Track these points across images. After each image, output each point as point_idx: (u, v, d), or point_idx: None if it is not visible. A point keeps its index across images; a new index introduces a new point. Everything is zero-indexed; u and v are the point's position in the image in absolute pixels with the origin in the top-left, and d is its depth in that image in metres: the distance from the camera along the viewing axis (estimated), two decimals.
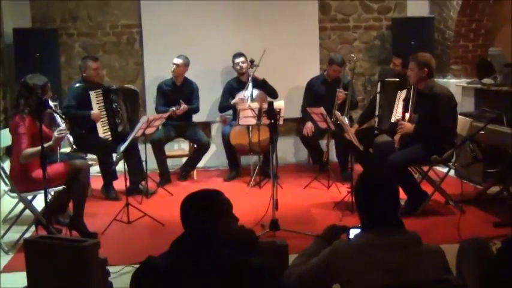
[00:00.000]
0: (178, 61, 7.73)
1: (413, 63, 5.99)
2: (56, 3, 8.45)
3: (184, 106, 7.65)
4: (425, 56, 6.09)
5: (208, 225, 2.55)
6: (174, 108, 7.59)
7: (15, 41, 7.81)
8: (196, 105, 7.94)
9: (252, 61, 7.87)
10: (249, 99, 7.75)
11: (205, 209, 2.60)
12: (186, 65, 7.79)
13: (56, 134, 5.22)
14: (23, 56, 7.73)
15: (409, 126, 5.99)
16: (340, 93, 7.54)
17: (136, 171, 7.04)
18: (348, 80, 7.75)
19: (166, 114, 7.18)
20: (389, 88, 6.90)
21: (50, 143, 5.18)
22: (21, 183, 5.36)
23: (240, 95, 7.86)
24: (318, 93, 7.98)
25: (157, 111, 7.62)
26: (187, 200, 2.64)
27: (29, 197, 5.57)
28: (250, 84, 7.86)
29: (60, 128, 5.28)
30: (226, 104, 8.09)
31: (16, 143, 5.32)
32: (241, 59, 7.98)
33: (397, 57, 7.62)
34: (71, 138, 5.44)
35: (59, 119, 5.40)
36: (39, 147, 4.93)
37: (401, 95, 6.36)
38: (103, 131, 6.93)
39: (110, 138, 6.93)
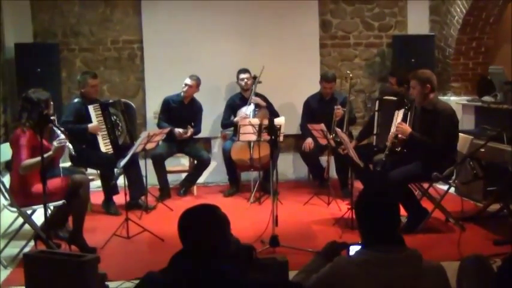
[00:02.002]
0: (191, 82, 7.75)
1: (414, 81, 5.98)
2: (58, 18, 8.49)
3: (191, 131, 7.69)
4: (426, 72, 6.09)
5: (205, 240, 2.54)
6: (181, 130, 7.63)
7: (16, 55, 7.82)
8: (198, 127, 7.98)
9: (254, 77, 7.90)
10: (251, 115, 7.76)
11: (202, 224, 2.59)
12: (197, 85, 7.82)
13: (55, 143, 5.21)
14: (24, 70, 7.74)
15: (406, 129, 5.97)
16: (338, 111, 7.54)
17: (136, 185, 7.04)
18: (345, 96, 7.76)
19: (166, 130, 7.20)
20: (387, 106, 6.91)
21: (50, 153, 5.17)
22: (21, 197, 5.35)
23: (241, 113, 7.87)
24: (314, 111, 8.01)
25: (159, 127, 7.63)
26: (184, 216, 2.63)
27: (29, 212, 5.55)
28: (252, 104, 7.88)
29: (60, 138, 5.27)
30: (228, 121, 8.10)
31: (16, 155, 5.33)
32: (246, 75, 8.00)
33: (392, 76, 7.63)
34: (71, 147, 5.42)
35: (58, 132, 5.39)
36: (38, 158, 4.94)
37: (399, 114, 6.35)
38: (104, 145, 6.94)
39: (112, 152, 6.94)
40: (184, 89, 7.76)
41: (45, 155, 4.97)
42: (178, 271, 2.48)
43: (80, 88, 7.11)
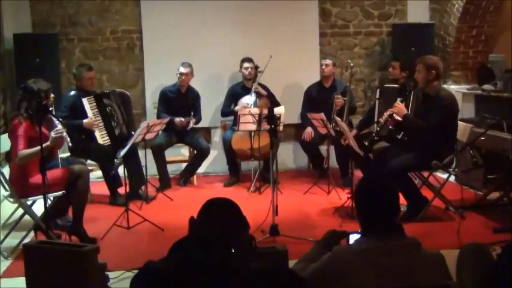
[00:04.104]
0: (186, 70, 7.72)
1: (420, 66, 5.97)
2: (56, 8, 8.46)
3: (193, 121, 7.72)
4: (433, 58, 6.10)
5: (224, 233, 2.53)
6: (182, 119, 7.63)
7: (15, 46, 7.81)
8: (199, 115, 7.99)
9: (257, 67, 7.88)
10: (252, 105, 7.76)
11: (227, 218, 2.59)
12: (192, 72, 7.80)
13: (52, 134, 5.22)
14: (23, 61, 7.72)
15: (402, 109, 5.98)
16: (339, 100, 7.54)
17: (136, 176, 7.02)
18: (345, 85, 7.76)
19: (166, 120, 7.17)
20: (388, 94, 6.89)
21: (48, 143, 5.17)
22: (21, 188, 5.35)
23: (243, 102, 7.86)
24: (315, 99, 8.01)
25: (159, 118, 7.61)
26: (212, 204, 2.63)
27: (28, 202, 5.56)
28: (253, 93, 7.87)
29: (57, 128, 5.26)
30: (228, 110, 8.09)
31: (13, 146, 5.32)
32: (250, 64, 7.97)
33: (396, 61, 7.55)
34: (68, 139, 5.41)
35: (56, 122, 5.38)
36: (36, 148, 4.94)
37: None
38: (101, 137, 6.91)
39: (109, 143, 6.93)
40: (182, 78, 7.74)
41: (43, 145, 4.98)
42: (179, 260, 2.47)
43: (76, 81, 7.09)
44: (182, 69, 7.72)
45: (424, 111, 5.98)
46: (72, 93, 7.01)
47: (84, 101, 6.87)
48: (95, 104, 6.95)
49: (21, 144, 5.20)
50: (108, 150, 6.87)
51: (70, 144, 5.48)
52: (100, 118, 6.96)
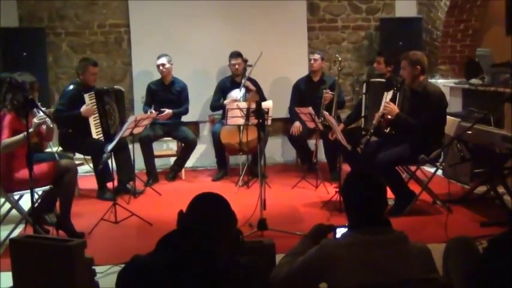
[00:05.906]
0: (164, 60, 7.72)
1: (405, 62, 5.98)
2: (43, 2, 8.41)
3: (168, 111, 7.67)
4: (416, 53, 6.09)
5: (212, 227, 2.53)
6: (152, 110, 7.54)
7: (2, 40, 7.75)
8: (185, 106, 7.94)
9: (246, 60, 7.85)
10: (242, 99, 7.74)
11: (218, 211, 2.61)
12: (169, 61, 7.78)
13: (35, 120, 5.16)
14: (10, 55, 7.68)
15: (394, 109, 5.97)
16: (327, 94, 7.54)
17: (125, 170, 7.01)
18: (334, 80, 7.76)
19: (153, 115, 7.16)
20: (375, 88, 6.90)
21: (31, 130, 5.12)
22: (7, 183, 5.31)
23: (232, 95, 7.84)
24: (304, 94, 8.02)
25: (144, 111, 7.61)
26: (201, 198, 2.64)
27: (16, 197, 5.52)
28: (243, 88, 7.85)
29: (40, 115, 5.21)
30: (218, 104, 8.06)
31: None
32: (238, 60, 7.93)
33: (380, 56, 7.52)
34: (49, 121, 5.33)
35: (41, 113, 5.30)
36: (18, 136, 4.90)
37: (388, 95, 6.36)
38: (96, 133, 6.90)
39: (103, 139, 6.90)
40: (161, 69, 7.76)
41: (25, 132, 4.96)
42: (167, 253, 2.47)
43: (79, 75, 7.02)
44: (160, 60, 7.73)
45: (412, 107, 5.98)
46: (71, 87, 6.99)
47: (86, 96, 6.85)
48: (95, 100, 6.93)
49: (5, 134, 5.15)
50: (98, 142, 6.85)
51: (51, 125, 5.41)
52: (98, 115, 6.94)
